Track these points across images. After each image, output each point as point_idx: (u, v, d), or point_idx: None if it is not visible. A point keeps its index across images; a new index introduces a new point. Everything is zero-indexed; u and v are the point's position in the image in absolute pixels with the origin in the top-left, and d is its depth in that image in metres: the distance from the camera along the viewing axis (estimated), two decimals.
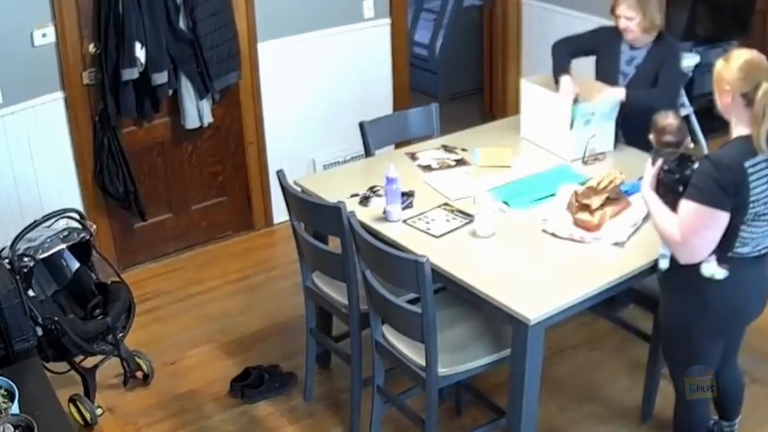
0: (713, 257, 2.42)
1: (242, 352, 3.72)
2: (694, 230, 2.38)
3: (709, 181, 2.33)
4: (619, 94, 3.43)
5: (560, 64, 3.58)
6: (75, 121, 3.94)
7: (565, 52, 3.62)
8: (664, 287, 2.65)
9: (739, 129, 2.41)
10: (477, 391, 3.21)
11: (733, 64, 2.38)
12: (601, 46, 3.62)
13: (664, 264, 2.57)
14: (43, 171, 3.91)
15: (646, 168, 2.62)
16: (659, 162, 2.56)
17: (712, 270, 2.43)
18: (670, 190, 2.51)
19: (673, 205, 2.46)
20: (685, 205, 2.39)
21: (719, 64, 2.43)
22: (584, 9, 4.74)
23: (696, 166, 2.44)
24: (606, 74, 3.57)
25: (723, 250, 2.42)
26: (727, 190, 2.32)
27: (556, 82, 3.56)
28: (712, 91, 2.47)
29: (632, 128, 3.48)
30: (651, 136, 2.61)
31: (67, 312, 3.26)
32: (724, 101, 2.42)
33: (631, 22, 3.41)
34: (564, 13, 4.86)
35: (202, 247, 4.59)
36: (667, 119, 2.59)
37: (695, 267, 2.44)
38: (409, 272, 2.59)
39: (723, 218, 2.35)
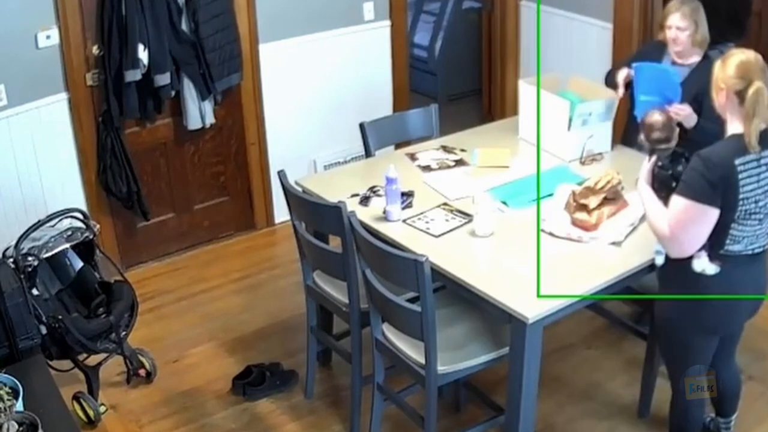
0: (704, 253, 2.45)
1: (244, 350, 3.74)
2: (682, 225, 2.41)
3: (698, 178, 2.36)
4: (691, 119, 3.19)
5: (611, 79, 3.47)
6: (79, 121, 3.95)
7: (614, 74, 3.48)
8: (660, 283, 2.68)
9: (733, 127, 2.44)
10: (476, 388, 3.22)
11: (729, 63, 2.42)
12: (645, 59, 3.45)
13: (659, 260, 2.60)
14: (47, 171, 3.93)
15: (643, 164, 2.66)
16: (653, 158, 2.61)
17: (703, 265, 2.45)
18: (663, 186, 2.54)
19: (666, 201, 2.49)
20: (675, 200, 2.42)
21: (717, 65, 2.47)
22: (582, 11, 4.75)
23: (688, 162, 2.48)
24: None
25: (714, 248, 2.44)
26: (716, 187, 2.35)
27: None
28: (711, 91, 2.50)
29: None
30: (640, 136, 2.66)
31: (71, 310, 3.26)
32: (719, 100, 2.46)
33: (682, 33, 3.30)
34: (562, 16, 4.86)
35: (205, 246, 4.61)
36: (653, 116, 2.64)
37: (688, 263, 2.47)
38: (409, 271, 2.60)
39: (711, 214, 2.38)
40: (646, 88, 3.29)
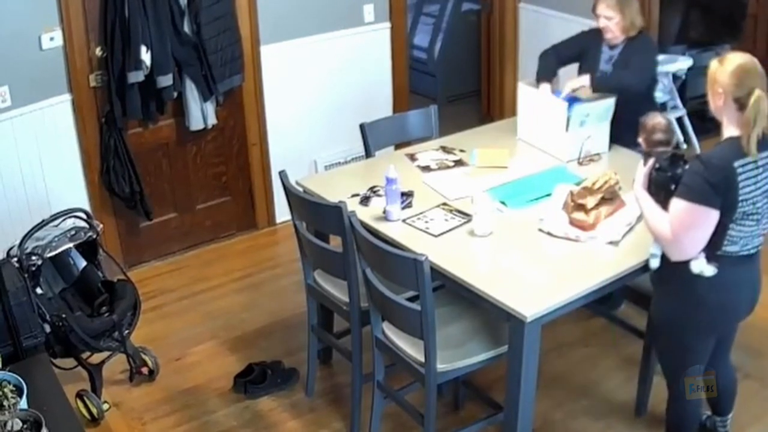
0: (702, 254, 2.46)
1: (245, 349, 3.75)
2: (685, 228, 2.42)
3: (699, 180, 2.37)
4: (583, 80, 3.47)
5: (543, 73, 3.64)
6: (82, 122, 3.98)
7: (552, 62, 3.67)
8: (656, 285, 2.68)
9: (729, 130, 2.45)
10: (475, 386, 3.24)
11: (727, 67, 2.41)
12: (585, 48, 3.67)
13: (654, 263, 2.61)
14: (50, 171, 3.95)
15: (638, 168, 2.65)
16: (651, 161, 2.60)
17: (701, 267, 2.46)
18: (662, 189, 2.53)
19: (664, 204, 2.49)
20: (676, 203, 2.42)
21: (713, 66, 2.46)
22: (580, 13, 4.74)
23: (687, 165, 2.48)
24: (585, 72, 3.60)
25: (712, 249, 2.45)
26: (717, 189, 2.36)
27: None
28: (706, 91, 2.50)
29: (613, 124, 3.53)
30: (640, 138, 2.66)
31: (74, 309, 3.28)
32: (716, 103, 2.46)
33: (610, 21, 3.47)
34: (560, 17, 4.88)
35: (207, 245, 4.63)
36: (656, 118, 2.63)
37: (685, 264, 2.48)
38: (409, 270, 2.61)
39: (713, 216, 2.39)
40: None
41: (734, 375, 2.98)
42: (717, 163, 2.37)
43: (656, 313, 2.71)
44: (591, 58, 3.63)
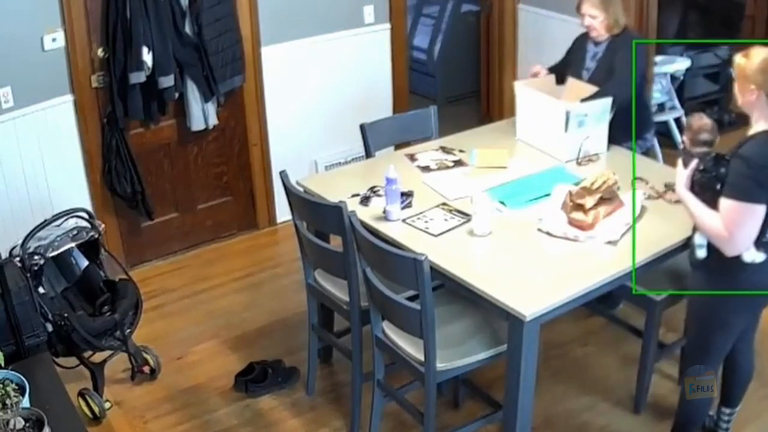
0: (752, 245, 2.54)
1: (246, 348, 3.77)
2: (738, 226, 2.48)
3: (745, 179, 2.44)
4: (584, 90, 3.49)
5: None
6: (84, 123, 3.99)
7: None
8: (701, 272, 2.71)
9: (761, 124, 2.51)
10: (474, 385, 3.26)
11: (754, 61, 2.47)
12: (573, 50, 3.74)
13: (702, 253, 2.65)
14: (53, 172, 3.96)
15: (678, 170, 2.68)
16: (694, 162, 2.63)
17: (753, 256, 2.54)
18: (707, 189, 2.58)
19: (711, 203, 2.55)
20: (727, 203, 2.49)
21: (741, 61, 2.52)
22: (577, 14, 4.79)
23: (729, 163, 2.52)
24: (573, 72, 3.67)
25: (759, 237, 2.52)
26: (762, 185, 2.44)
27: None
28: (732, 85, 2.56)
29: None
30: (685, 137, 2.69)
31: (76, 309, 3.29)
32: (748, 99, 2.52)
33: (594, 20, 3.52)
34: (558, 18, 4.88)
35: (208, 245, 4.64)
36: (702, 120, 2.68)
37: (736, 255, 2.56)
38: (409, 270, 2.62)
39: (761, 211, 2.47)
40: None
41: (753, 366, 3.02)
42: (759, 161, 2.44)
43: (701, 298, 2.74)
44: (578, 56, 3.70)
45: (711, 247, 2.61)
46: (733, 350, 2.84)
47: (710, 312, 2.73)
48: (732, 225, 2.48)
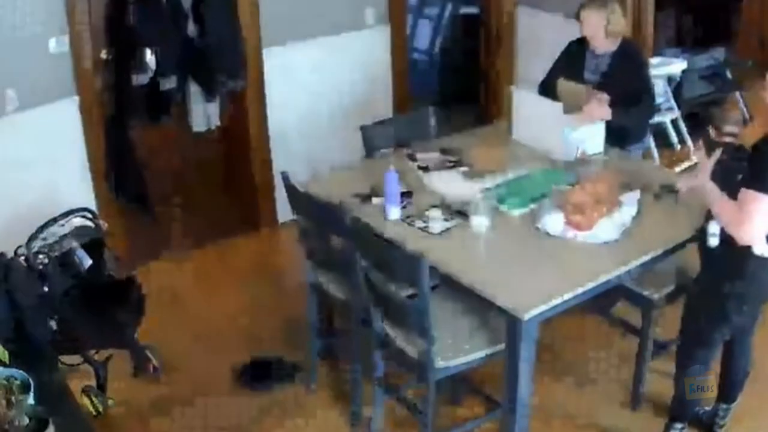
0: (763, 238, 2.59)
1: (248, 345, 3.78)
2: (756, 216, 2.53)
3: None
4: (604, 114, 3.45)
5: None
6: (88, 124, 4.01)
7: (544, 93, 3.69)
8: (712, 260, 2.75)
9: None
10: (473, 382, 3.28)
11: None
12: (568, 61, 3.70)
13: (714, 241, 2.69)
14: (57, 172, 3.98)
15: (701, 159, 2.74)
16: (717, 153, 2.68)
17: (763, 249, 2.59)
18: (728, 179, 2.63)
19: (731, 192, 2.59)
20: (748, 194, 2.53)
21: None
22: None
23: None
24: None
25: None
26: None
27: None
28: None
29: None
30: (711, 127, 2.73)
31: (80, 307, 3.25)
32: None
33: (594, 27, 3.50)
34: (557, 20, 4.89)
35: (210, 245, 4.66)
36: (729, 111, 2.73)
37: (747, 245, 2.60)
38: (408, 269, 2.65)
39: None
40: None
41: (750, 362, 3.05)
42: None
43: (706, 283, 2.79)
44: (575, 67, 3.66)
45: (723, 237, 2.65)
46: (731, 346, 2.87)
47: (713, 302, 2.76)
48: (750, 214, 2.53)
